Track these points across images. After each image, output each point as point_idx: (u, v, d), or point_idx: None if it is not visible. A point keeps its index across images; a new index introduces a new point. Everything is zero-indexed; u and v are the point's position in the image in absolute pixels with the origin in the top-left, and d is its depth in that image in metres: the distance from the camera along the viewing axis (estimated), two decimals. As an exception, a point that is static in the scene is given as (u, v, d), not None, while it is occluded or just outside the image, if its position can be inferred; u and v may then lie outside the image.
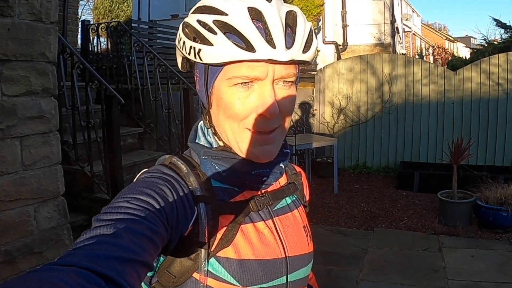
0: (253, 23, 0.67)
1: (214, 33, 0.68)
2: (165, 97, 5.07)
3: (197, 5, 0.72)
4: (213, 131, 0.79)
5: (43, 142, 2.46)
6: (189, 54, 0.72)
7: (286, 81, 0.72)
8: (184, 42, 0.73)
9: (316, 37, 0.77)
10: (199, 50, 0.69)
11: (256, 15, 0.68)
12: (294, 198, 0.88)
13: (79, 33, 6.89)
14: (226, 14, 0.68)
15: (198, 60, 0.71)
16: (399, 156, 6.85)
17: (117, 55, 5.84)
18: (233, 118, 0.73)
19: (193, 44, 0.70)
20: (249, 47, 0.67)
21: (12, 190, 2.32)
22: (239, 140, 0.74)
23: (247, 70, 0.69)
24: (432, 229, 4.61)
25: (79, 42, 7.25)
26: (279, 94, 0.72)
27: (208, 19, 0.68)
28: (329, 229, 4.70)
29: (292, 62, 0.70)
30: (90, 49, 6.17)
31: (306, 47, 0.72)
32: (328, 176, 6.23)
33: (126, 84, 5.48)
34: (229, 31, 0.67)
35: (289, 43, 0.69)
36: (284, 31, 0.69)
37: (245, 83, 0.70)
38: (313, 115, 7.34)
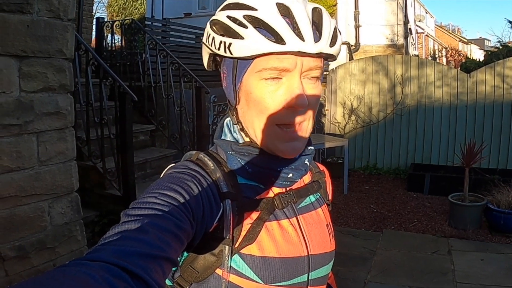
0: (282, 18, 0.70)
1: (245, 27, 0.70)
2: (177, 95, 5.11)
3: (225, 3, 0.75)
4: (240, 127, 0.80)
5: (58, 138, 2.50)
6: (219, 49, 0.73)
7: (312, 77, 0.75)
8: (213, 38, 0.74)
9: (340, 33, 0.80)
10: (230, 44, 0.71)
11: (284, 11, 0.70)
12: (318, 196, 0.89)
13: (94, 30, 6.97)
14: (256, 9, 0.70)
15: (228, 54, 0.73)
16: (410, 158, 6.81)
17: (130, 52, 5.90)
18: (263, 113, 0.74)
19: (223, 38, 0.72)
20: (279, 40, 0.69)
21: (28, 186, 2.35)
22: (267, 136, 0.76)
23: (275, 62, 0.71)
24: (441, 231, 4.59)
25: (93, 39, 7.32)
26: (306, 88, 0.74)
27: (238, 14, 0.71)
28: (338, 230, 4.70)
29: (320, 55, 0.72)
30: (104, 46, 6.23)
31: (332, 42, 0.74)
32: (338, 176, 6.21)
33: (139, 81, 5.53)
34: (259, 25, 0.70)
35: (317, 37, 0.71)
36: (312, 25, 0.71)
37: (274, 77, 0.72)
38: (324, 115, 7.33)
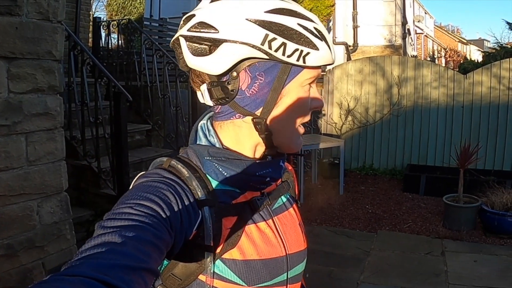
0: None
1: (321, 39, 0.73)
2: (173, 95, 5.12)
3: (277, 6, 0.71)
4: (265, 137, 0.78)
5: (48, 139, 2.52)
6: (290, 56, 0.72)
7: None
8: (283, 44, 0.71)
9: None
10: (308, 53, 0.72)
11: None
12: (288, 196, 0.90)
13: (91, 30, 6.99)
14: (316, 23, 0.74)
15: (300, 63, 0.73)
16: (406, 158, 6.81)
17: (127, 52, 5.91)
18: (300, 116, 0.78)
19: (300, 47, 0.72)
20: (332, 53, 0.77)
21: (16, 185, 2.37)
22: (294, 136, 0.80)
23: (318, 71, 0.77)
24: (436, 233, 4.59)
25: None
26: None
27: (310, 25, 0.73)
28: (333, 230, 4.71)
29: None
30: (101, 45, 6.25)
31: None
32: (334, 177, 6.22)
33: (135, 81, 5.55)
34: (323, 38, 0.74)
35: None
36: None
37: (309, 84, 0.78)
38: (321, 115, 7.34)
